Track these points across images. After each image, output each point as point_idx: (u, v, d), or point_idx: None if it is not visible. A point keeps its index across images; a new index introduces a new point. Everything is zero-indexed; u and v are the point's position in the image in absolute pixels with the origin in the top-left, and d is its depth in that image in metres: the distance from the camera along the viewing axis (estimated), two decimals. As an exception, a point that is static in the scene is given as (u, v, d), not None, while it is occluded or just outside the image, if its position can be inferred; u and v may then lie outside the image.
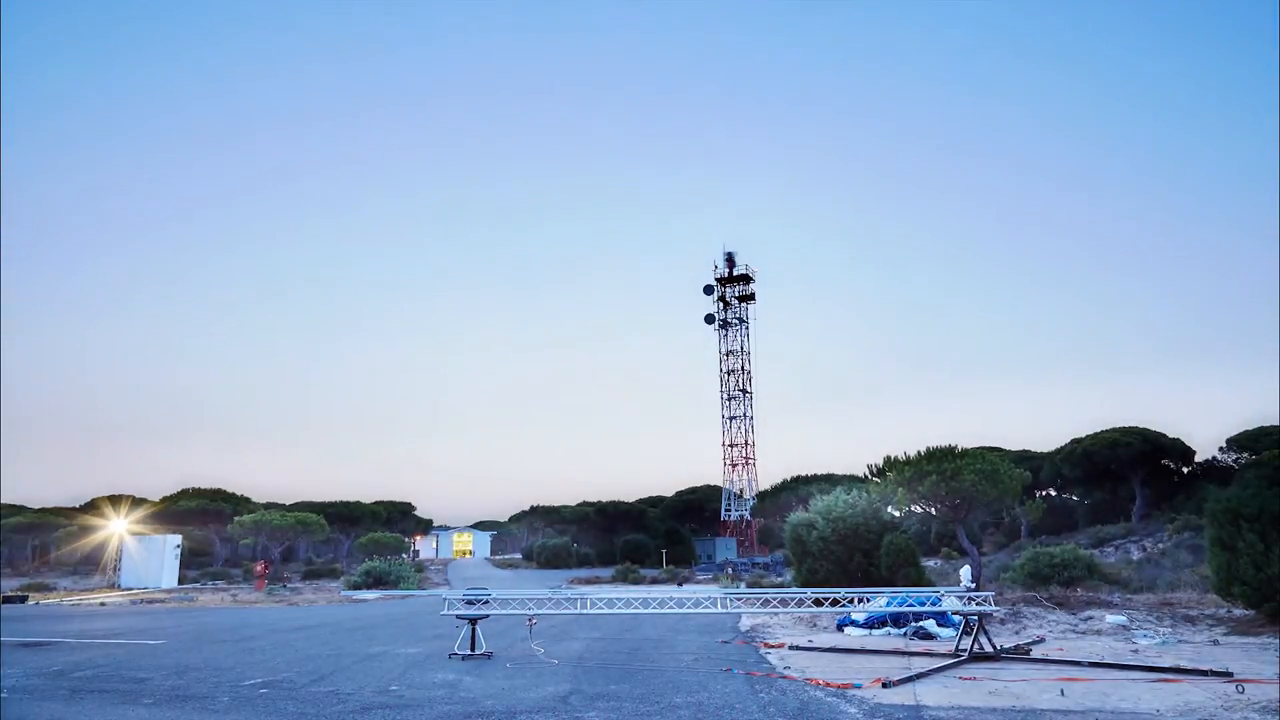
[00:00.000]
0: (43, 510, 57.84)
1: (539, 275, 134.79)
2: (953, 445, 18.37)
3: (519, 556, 67.56)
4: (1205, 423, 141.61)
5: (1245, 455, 42.67)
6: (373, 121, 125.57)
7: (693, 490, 65.44)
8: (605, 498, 62.59)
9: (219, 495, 54.29)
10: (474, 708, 7.59)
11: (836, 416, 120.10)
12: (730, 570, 35.98)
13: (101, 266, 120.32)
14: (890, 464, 18.84)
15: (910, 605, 11.75)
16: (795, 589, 14.95)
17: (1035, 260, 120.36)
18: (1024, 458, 45.84)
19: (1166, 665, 9.20)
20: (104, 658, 11.73)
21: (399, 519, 63.48)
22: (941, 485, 17.10)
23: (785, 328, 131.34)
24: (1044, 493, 51.56)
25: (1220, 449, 45.39)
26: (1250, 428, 43.53)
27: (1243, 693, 7.56)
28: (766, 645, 12.02)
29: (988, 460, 17.67)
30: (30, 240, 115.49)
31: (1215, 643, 11.09)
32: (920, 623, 12.82)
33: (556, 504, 70.54)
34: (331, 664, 10.65)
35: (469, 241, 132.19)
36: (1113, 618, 13.15)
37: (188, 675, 9.89)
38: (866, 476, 20.26)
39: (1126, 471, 43.81)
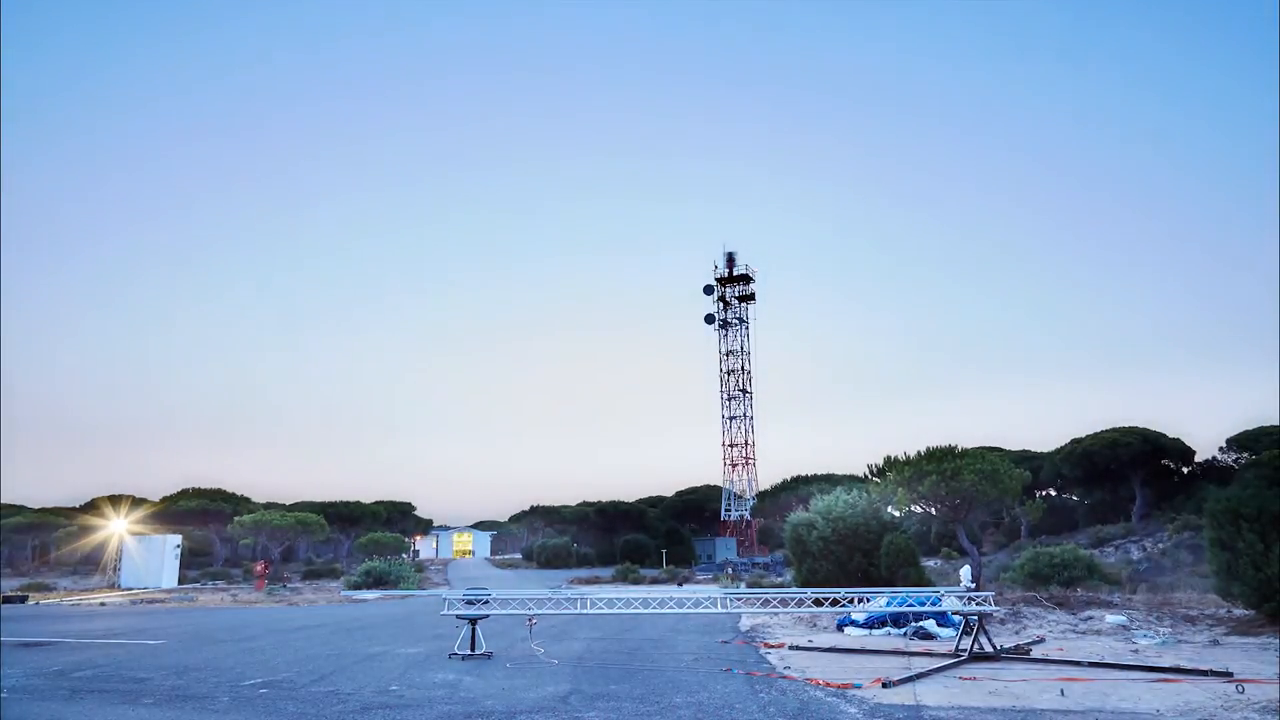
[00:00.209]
0: (43, 510, 57.83)
1: (539, 276, 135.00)
2: (953, 445, 18.42)
3: (519, 556, 67.56)
4: (1205, 423, 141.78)
5: (1245, 455, 42.72)
6: (375, 122, 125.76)
7: (693, 490, 65.49)
8: (605, 498, 62.66)
9: (219, 495, 54.29)
10: (474, 708, 7.59)
11: (836, 416, 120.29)
12: (730, 570, 35.97)
13: (102, 266, 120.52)
14: (890, 464, 18.86)
15: (910, 605, 11.73)
16: (795, 589, 14.95)
17: (1035, 261, 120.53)
18: (1024, 458, 45.88)
19: (1166, 665, 9.20)
20: (104, 658, 11.72)
21: (399, 519, 63.43)
22: (941, 485, 17.12)
23: (785, 328, 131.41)
24: (1044, 493, 51.60)
25: (1220, 449, 45.51)
26: (1250, 428, 43.65)
27: (1243, 693, 7.56)
28: (766, 645, 12.02)
29: (988, 460, 17.69)
30: (30, 240, 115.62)
31: (1215, 643, 11.09)
32: (920, 623, 12.82)
33: (556, 504, 70.70)
34: (331, 664, 10.64)
35: (470, 241, 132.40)
36: (1113, 618, 13.14)
37: (188, 675, 9.89)
38: (866, 476, 20.29)
39: (1126, 471, 43.84)
